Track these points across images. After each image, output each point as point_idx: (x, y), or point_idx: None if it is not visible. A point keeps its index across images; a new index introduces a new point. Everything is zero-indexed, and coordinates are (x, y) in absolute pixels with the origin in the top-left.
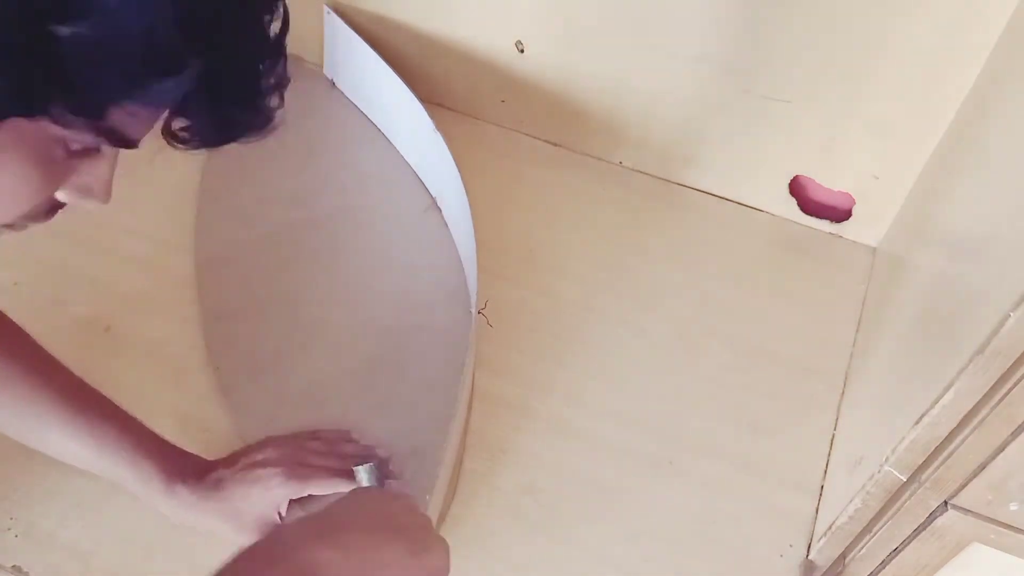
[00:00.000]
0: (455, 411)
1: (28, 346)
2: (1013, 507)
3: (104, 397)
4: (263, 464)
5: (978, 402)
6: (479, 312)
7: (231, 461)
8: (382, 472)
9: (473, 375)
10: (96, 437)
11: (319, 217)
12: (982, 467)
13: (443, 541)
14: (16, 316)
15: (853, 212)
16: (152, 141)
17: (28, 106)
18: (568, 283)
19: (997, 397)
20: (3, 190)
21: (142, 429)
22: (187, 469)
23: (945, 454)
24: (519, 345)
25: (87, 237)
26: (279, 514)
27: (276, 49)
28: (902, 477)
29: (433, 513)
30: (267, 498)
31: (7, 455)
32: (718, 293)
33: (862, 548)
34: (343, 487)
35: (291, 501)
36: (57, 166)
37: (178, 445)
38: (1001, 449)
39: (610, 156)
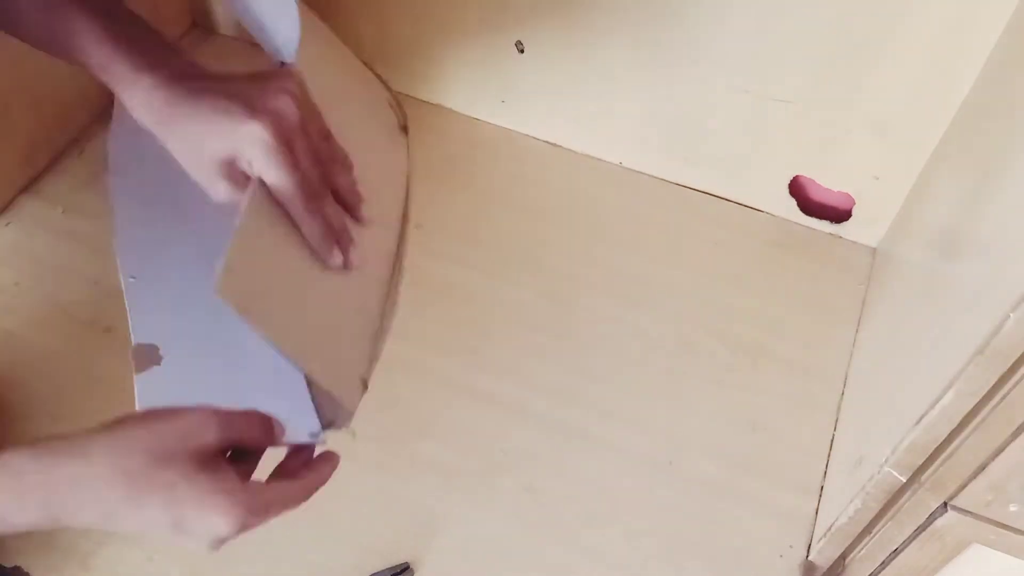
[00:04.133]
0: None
1: None
2: (1013, 508)
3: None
4: (262, 110)
5: (978, 403)
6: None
7: (241, 77)
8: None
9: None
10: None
11: None
12: (982, 468)
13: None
14: (16, 316)
15: (853, 212)
16: None
17: None
18: (568, 283)
19: (997, 398)
20: None
21: (138, 25)
22: (167, 63)
23: (945, 455)
24: (519, 345)
25: (87, 237)
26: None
27: None
28: (902, 478)
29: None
30: (230, 145)
31: None
32: (718, 293)
33: (862, 549)
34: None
35: None
36: None
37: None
38: (1001, 450)
39: (609, 157)
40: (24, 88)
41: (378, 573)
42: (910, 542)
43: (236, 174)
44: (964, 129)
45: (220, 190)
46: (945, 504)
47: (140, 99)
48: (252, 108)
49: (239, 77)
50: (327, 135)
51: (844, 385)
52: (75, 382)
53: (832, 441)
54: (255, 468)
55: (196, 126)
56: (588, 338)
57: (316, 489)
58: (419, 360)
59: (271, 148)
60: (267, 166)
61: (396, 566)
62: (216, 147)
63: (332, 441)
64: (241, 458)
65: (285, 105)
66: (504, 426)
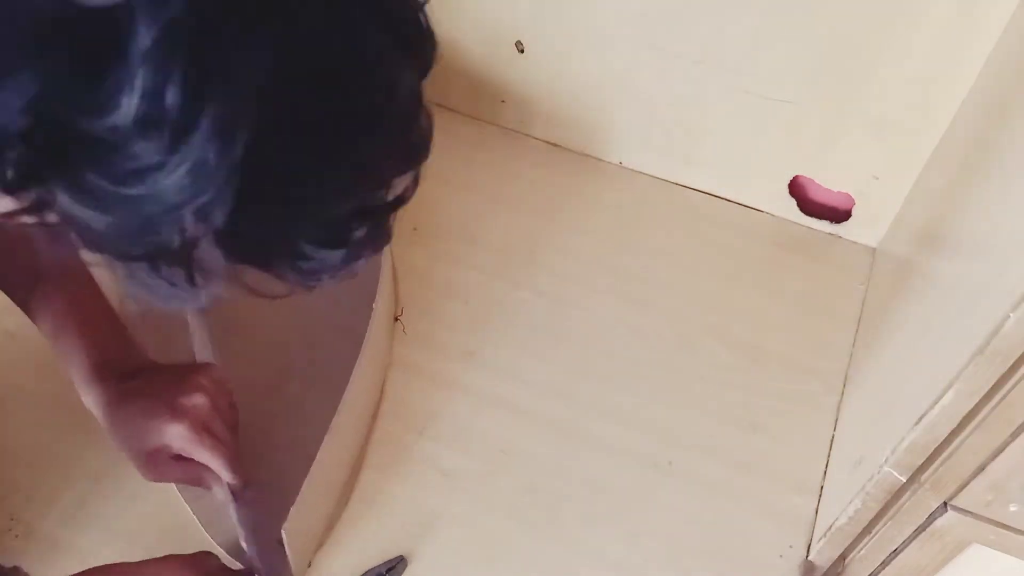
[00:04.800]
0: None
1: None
2: (1013, 508)
3: (91, 276)
4: (180, 410)
5: (978, 403)
6: (396, 319)
7: (165, 377)
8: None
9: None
10: (52, 302)
11: None
12: (982, 468)
13: None
14: (17, 317)
15: (853, 212)
16: None
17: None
18: (568, 283)
19: (997, 398)
20: None
21: (99, 306)
22: (117, 365)
23: (945, 455)
24: (519, 345)
25: None
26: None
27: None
28: (902, 478)
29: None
30: (159, 439)
31: (7, 456)
32: (718, 293)
33: (861, 549)
34: (225, 471)
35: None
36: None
37: None
38: (1001, 450)
39: (610, 156)
40: None
41: (373, 568)
42: (910, 542)
43: (164, 458)
44: (964, 129)
45: (151, 473)
46: (945, 504)
47: (91, 400)
48: (173, 409)
49: (165, 374)
50: (232, 404)
51: (844, 385)
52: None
53: (832, 441)
54: None
55: (133, 427)
56: (588, 338)
57: None
58: (419, 360)
59: (192, 440)
60: (193, 452)
61: (391, 560)
62: (149, 441)
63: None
64: None
65: (199, 401)
66: (504, 426)
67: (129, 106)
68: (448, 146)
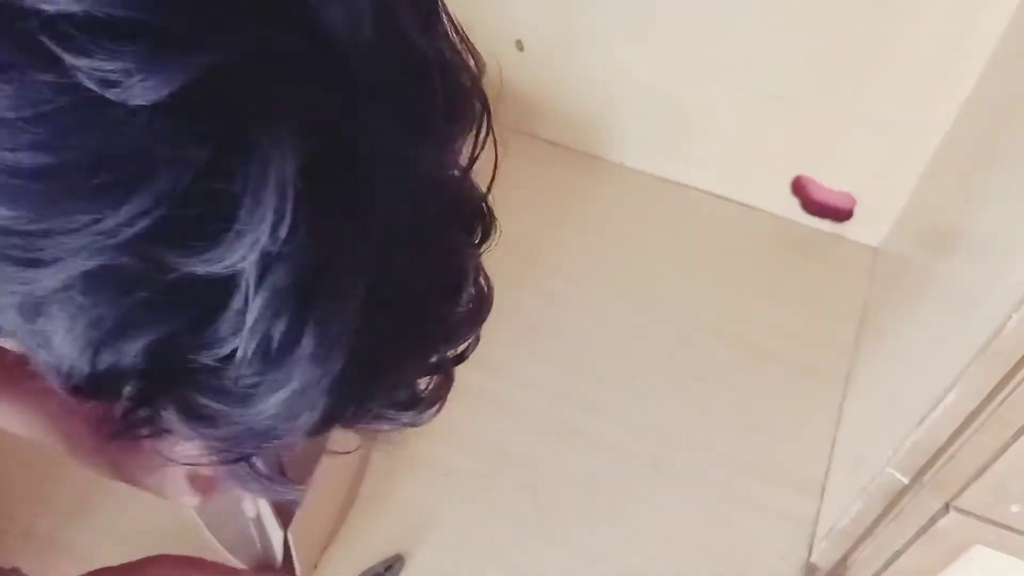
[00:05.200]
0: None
1: None
2: (1014, 509)
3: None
4: None
5: (979, 404)
6: None
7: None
8: None
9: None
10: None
11: None
12: (983, 469)
13: None
14: None
15: (855, 212)
16: None
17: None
18: (568, 283)
19: (998, 399)
20: None
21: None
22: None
23: (946, 456)
24: (519, 345)
25: None
26: None
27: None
28: (903, 479)
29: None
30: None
31: (6, 457)
32: (718, 293)
33: (863, 550)
34: None
35: None
36: None
37: None
38: (1002, 451)
39: (609, 156)
40: None
41: (371, 567)
42: (912, 543)
43: None
44: (966, 128)
45: None
46: (947, 505)
47: None
48: None
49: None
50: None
51: (845, 385)
52: None
53: (833, 442)
54: None
55: None
56: (588, 338)
57: None
58: None
59: None
60: None
61: (389, 558)
62: None
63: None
64: None
65: None
66: (504, 426)
67: (240, 345)
68: None
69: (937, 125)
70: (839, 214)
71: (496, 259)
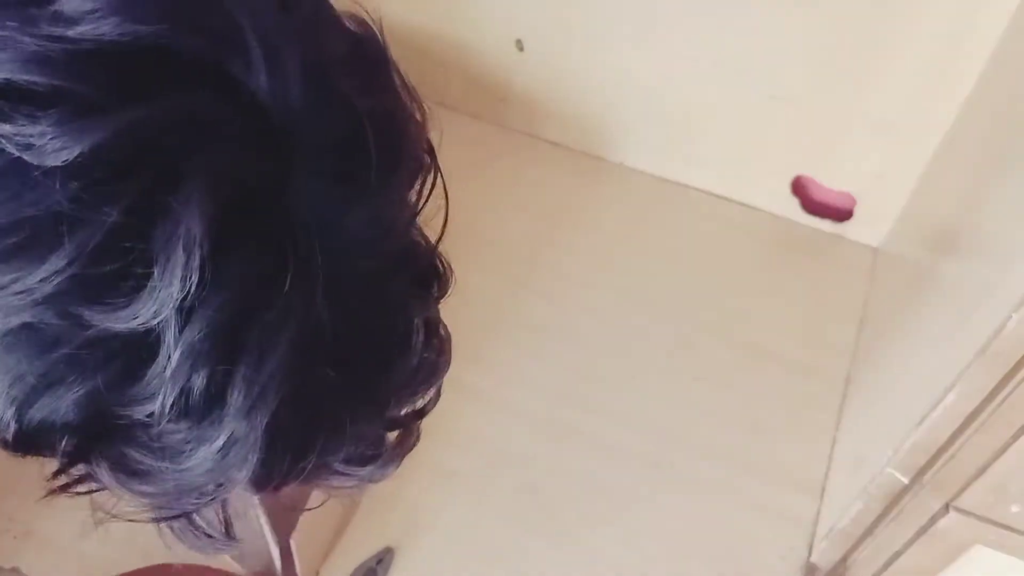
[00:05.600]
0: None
1: None
2: (1014, 509)
3: None
4: None
5: (979, 404)
6: None
7: None
8: None
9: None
10: None
11: None
12: (983, 469)
13: None
14: None
15: (855, 212)
16: None
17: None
18: (568, 283)
19: (999, 399)
20: None
21: None
22: None
23: (946, 456)
24: (519, 345)
25: None
26: None
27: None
28: (904, 479)
29: None
30: None
31: (6, 457)
32: (718, 293)
33: (863, 550)
34: None
35: None
36: None
37: None
38: (1002, 451)
39: (610, 156)
40: None
41: (363, 563)
42: (912, 543)
43: None
44: (966, 129)
45: None
46: (947, 505)
47: None
48: None
49: None
50: None
51: (845, 385)
52: None
53: (833, 442)
54: None
55: None
56: (588, 338)
57: None
58: None
59: None
60: None
61: (379, 552)
62: None
63: None
64: None
65: None
66: (504, 426)
67: (164, 398)
68: (448, 145)
69: (937, 125)
70: (839, 214)
71: (497, 260)
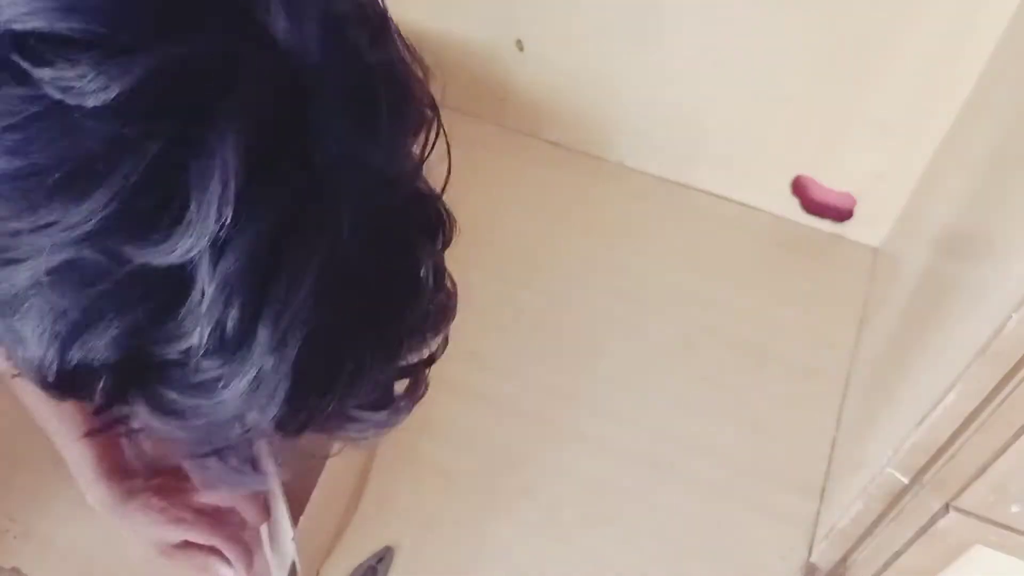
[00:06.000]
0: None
1: None
2: (1015, 509)
3: None
4: (195, 508)
5: (980, 403)
6: None
7: (170, 475)
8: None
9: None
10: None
11: None
12: (984, 469)
13: None
14: None
15: (855, 212)
16: None
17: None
18: (568, 283)
19: (999, 398)
20: None
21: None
22: (120, 463)
23: (947, 456)
24: (518, 345)
25: None
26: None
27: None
28: (904, 479)
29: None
30: (176, 537)
31: (6, 456)
32: (718, 293)
33: (863, 551)
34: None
35: None
36: None
37: None
38: (1003, 451)
39: (610, 156)
40: None
41: (363, 563)
42: (912, 543)
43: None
44: (967, 128)
45: (164, 557)
46: (947, 505)
47: (97, 499)
48: (187, 508)
49: (169, 472)
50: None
51: (846, 386)
52: None
53: (834, 442)
54: None
55: (146, 526)
56: (588, 338)
57: None
58: None
59: (209, 537)
60: (211, 542)
61: (379, 551)
62: (165, 538)
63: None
64: None
65: (212, 498)
66: (504, 426)
67: (197, 335)
68: (449, 146)
69: (937, 125)
70: (839, 214)
71: (497, 260)
